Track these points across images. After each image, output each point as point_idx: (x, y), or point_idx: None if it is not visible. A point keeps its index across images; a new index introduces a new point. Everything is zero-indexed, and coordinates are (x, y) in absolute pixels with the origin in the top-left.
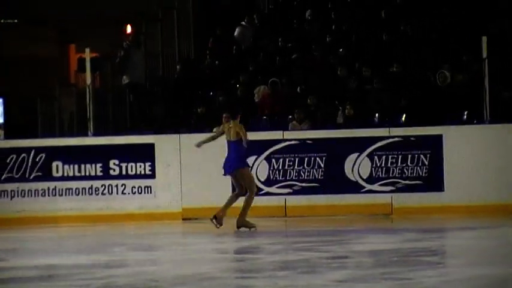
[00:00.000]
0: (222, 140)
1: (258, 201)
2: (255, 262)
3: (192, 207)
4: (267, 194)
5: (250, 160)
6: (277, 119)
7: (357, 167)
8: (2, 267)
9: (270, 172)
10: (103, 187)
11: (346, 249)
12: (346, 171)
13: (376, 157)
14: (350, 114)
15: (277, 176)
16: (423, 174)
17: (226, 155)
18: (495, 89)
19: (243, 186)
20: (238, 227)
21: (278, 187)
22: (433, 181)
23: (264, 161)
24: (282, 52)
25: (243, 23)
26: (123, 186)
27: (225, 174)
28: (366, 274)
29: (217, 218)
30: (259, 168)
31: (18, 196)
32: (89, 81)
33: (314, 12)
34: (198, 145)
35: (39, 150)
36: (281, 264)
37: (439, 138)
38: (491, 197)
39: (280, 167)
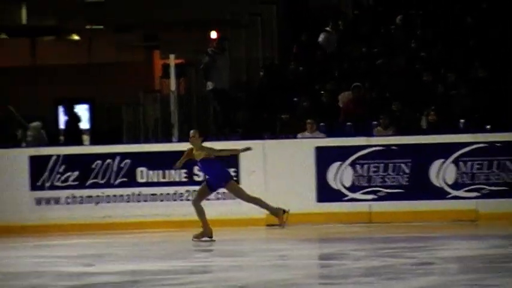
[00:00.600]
0: (309, 147)
1: (343, 206)
2: (340, 268)
3: None
4: (352, 200)
5: (334, 166)
6: (361, 125)
7: (442, 172)
8: (88, 273)
9: (355, 178)
10: (187, 193)
11: (431, 255)
12: (431, 177)
13: (461, 163)
14: (433, 120)
15: (362, 182)
16: (509, 180)
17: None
18: None
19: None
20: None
21: (362, 193)
22: None
23: (349, 167)
24: (366, 58)
25: (328, 28)
26: None
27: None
28: (451, 280)
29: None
30: (344, 173)
31: (103, 202)
32: (173, 87)
33: (404, 17)
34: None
35: (124, 156)
36: (366, 270)
37: None
38: None
39: (365, 173)
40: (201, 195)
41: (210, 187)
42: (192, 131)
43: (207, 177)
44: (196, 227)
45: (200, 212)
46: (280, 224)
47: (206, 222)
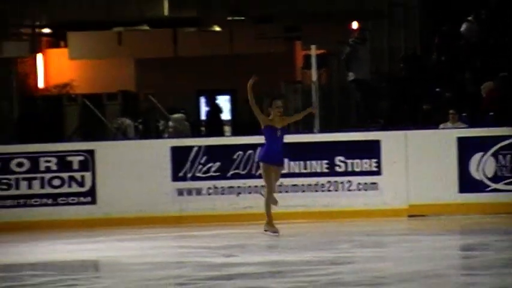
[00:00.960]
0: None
1: (485, 197)
2: (482, 259)
3: (418, 204)
4: (494, 190)
5: (476, 157)
6: (503, 115)
7: None
8: (230, 263)
9: (497, 168)
10: (329, 184)
11: None
12: None
13: None
14: None
15: (505, 172)
16: None
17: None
18: None
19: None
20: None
21: (505, 183)
22: None
23: (491, 157)
24: (510, 48)
25: (470, 18)
26: (349, 183)
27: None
28: None
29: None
30: (486, 164)
31: (245, 192)
32: (314, 78)
33: None
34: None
35: None
36: (509, 261)
37: None
38: None
39: (508, 164)
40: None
41: (276, 163)
42: (280, 102)
43: (269, 151)
44: (337, 218)
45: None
46: (268, 231)
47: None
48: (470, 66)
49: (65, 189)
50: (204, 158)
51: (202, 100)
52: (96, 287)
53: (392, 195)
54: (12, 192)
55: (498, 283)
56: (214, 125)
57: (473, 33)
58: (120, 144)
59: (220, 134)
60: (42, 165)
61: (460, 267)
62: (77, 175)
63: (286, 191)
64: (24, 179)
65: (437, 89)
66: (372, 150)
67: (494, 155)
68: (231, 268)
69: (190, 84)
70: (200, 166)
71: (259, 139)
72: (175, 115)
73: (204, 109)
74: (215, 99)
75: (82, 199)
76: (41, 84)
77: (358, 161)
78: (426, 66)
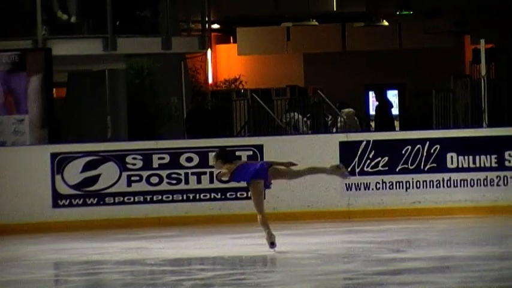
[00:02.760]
0: None
1: None
2: None
3: None
4: None
5: None
6: None
7: None
8: (397, 258)
9: None
10: (498, 178)
11: None
12: None
13: None
14: None
15: None
16: None
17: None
18: None
19: None
20: None
21: None
22: None
23: None
24: None
25: None
26: None
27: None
28: None
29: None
30: None
31: (413, 187)
32: (483, 72)
33: None
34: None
35: (433, 141)
36: None
37: None
38: None
39: None
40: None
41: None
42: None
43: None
44: (506, 213)
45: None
46: (343, 175)
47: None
48: None
49: (233, 184)
50: (372, 153)
51: (371, 95)
52: (264, 282)
53: None
54: (181, 186)
55: None
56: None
57: None
58: (288, 139)
59: (390, 128)
60: (211, 161)
61: None
62: None
63: (455, 186)
64: (193, 173)
65: None
66: None
67: None
68: (398, 263)
69: (358, 79)
70: (368, 161)
71: (429, 133)
72: (346, 110)
73: (372, 104)
74: (385, 93)
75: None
76: (210, 79)
77: None
78: None
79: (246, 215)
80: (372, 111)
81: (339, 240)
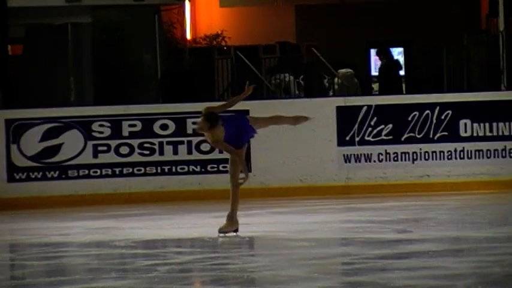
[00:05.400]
0: None
1: None
2: None
3: None
4: None
5: None
6: None
7: None
8: (402, 240)
9: None
10: None
11: None
12: None
13: None
14: None
15: None
16: None
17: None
18: None
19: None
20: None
21: None
22: None
23: None
24: None
25: None
26: None
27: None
28: None
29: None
30: None
31: (420, 159)
32: (502, 26)
33: None
34: None
35: (444, 106)
36: None
37: None
38: None
39: None
40: None
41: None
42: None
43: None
44: None
45: None
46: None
47: None
48: None
49: (215, 155)
50: (374, 120)
51: (372, 53)
52: (251, 267)
53: None
54: (155, 158)
55: None
56: (388, 82)
57: None
58: (277, 103)
59: (395, 91)
60: (190, 128)
61: None
62: None
63: (469, 157)
64: (168, 143)
65: None
66: None
67: None
68: (404, 245)
69: (359, 35)
70: (370, 129)
71: (440, 97)
72: (342, 70)
73: (374, 63)
74: (389, 52)
75: None
76: (188, 35)
77: None
78: None
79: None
80: (374, 72)
81: (336, 220)
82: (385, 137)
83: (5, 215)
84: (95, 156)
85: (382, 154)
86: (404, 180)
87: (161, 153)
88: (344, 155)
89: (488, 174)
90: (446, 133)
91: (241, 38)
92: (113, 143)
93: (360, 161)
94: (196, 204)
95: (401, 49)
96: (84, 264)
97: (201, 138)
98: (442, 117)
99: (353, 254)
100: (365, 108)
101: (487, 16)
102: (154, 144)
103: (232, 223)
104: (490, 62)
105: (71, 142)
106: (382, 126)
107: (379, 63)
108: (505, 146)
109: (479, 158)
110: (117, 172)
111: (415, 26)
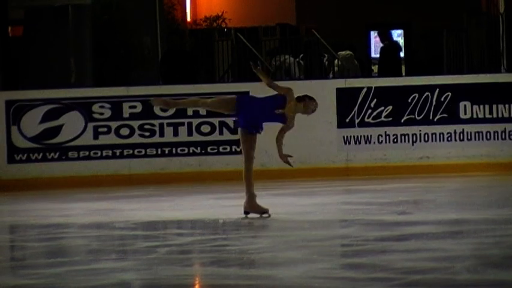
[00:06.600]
0: None
1: None
2: None
3: None
4: None
5: None
6: None
7: None
8: (401, 222)
9: None
10: None
11: None
12: None
13: None
14: None
15: None
16: None
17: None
18: None
19: None
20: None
21: None
22: None
23: None
24: None
25: None
26: None
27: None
28: None
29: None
30: None
31: (420, 141)
32: (502, 8)
33: None
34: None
35: (444, 88)
36: None
37: None
38: None
39: None
40: None
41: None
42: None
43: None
44: None
45: None
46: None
47: None
48: None
49: (215, 137)
50: (374, 101)
51: (372, 35)
52: (251, 248)
53: None
54: (156, 139)
55: None
56: (388, 64)
57: None
58: None
59: (395, 73)
60: (190, 110)
61: None
62: (231, 120)
63: (469, 139)
64: (169, 124)
65: None
66: None
67: None
68: (404, 227)
69: (359, 17)
70: (370, 110)
71: (439, 79)
72: (342, 52)
73: (374, 45)
74: (389, 33)
75: (236, 148)
76: (188, 17)
77: None
78: None
79: (230, 172)
80: (374, 54)
81: (335, 201)
82: (384, 119)
83: (5, 196)
84: (96, 137)
85: (381, 136)
86: (403, 162)
87: (161, 134)
88: (344, 136)
89: (488, 156)
90: (446, 115)
91: (242, 19)
92: (114, 124)
93: (359, 143)
94: (197, 185)
95: (400, 31)
96: (84, 246)
97: (201, 119)
98: (442, 99)
99: (352, 236)
100: (365, 89)
101: None
102: (154, 125)
103: (254, 204)
104: (489, 43)
105: (72, 123)
106: (382, 108)
107: (379, 45)
108: (505, 128)
109: (478, 140)
110: (118, 153)
111: (414, 7)
